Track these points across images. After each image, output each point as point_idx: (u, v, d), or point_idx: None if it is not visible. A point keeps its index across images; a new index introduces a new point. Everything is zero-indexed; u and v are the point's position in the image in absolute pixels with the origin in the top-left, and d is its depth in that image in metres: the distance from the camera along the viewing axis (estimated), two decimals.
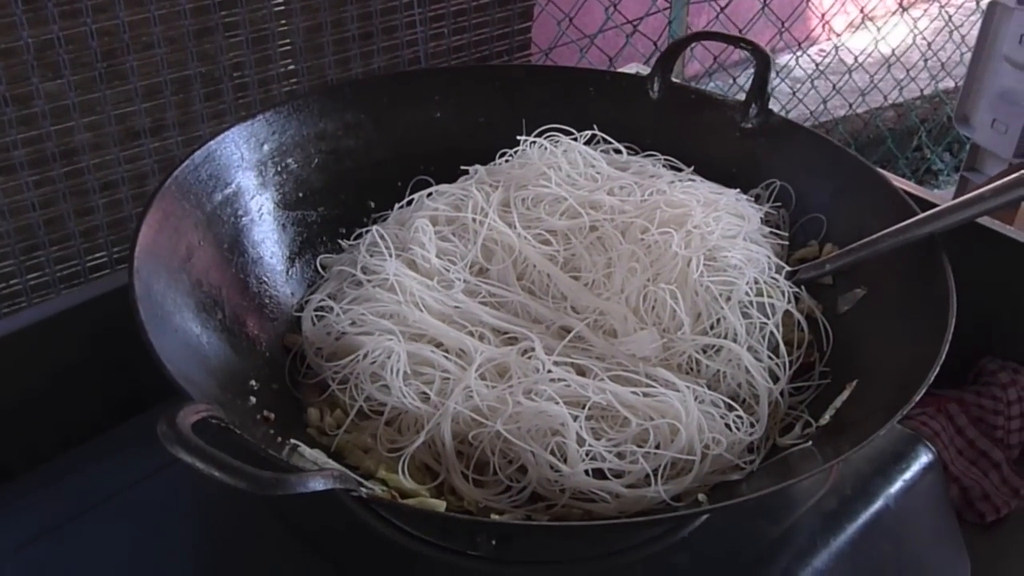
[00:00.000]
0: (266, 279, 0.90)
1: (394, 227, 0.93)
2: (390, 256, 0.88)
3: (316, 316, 0.87)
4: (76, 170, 1.30)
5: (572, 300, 0.86)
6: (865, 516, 0.84)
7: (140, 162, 1.34)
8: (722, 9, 2.21)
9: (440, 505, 0.71)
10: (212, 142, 0.89)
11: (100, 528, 0.81)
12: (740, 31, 2.30)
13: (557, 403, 0.74)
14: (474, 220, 0.91)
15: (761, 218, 0.93)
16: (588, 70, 1.08)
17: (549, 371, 0.78)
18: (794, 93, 2.64)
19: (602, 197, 0.91)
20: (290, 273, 0.93)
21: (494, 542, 0.77)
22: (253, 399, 0.77)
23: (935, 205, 0.84)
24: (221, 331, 0.80)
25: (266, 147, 0.94)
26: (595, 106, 1.04)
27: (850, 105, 2.73)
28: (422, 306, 0.84)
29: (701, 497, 0.73)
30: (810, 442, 0.75)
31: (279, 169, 0.94)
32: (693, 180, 0.96)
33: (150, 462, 0.85)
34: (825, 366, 0.84)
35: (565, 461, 0.73)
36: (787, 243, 0.93)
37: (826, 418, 0.77)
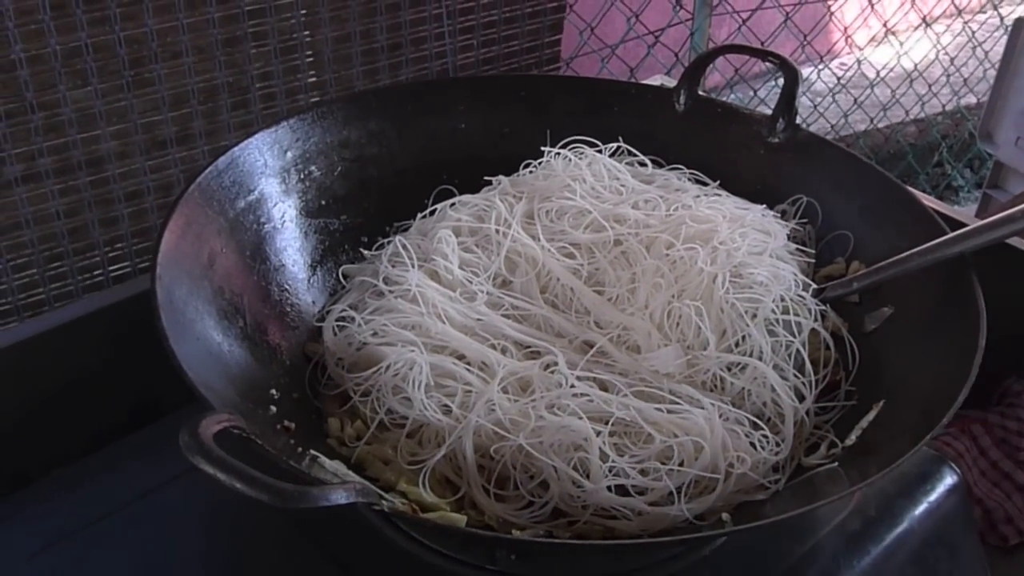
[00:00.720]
0: (288, 287, 0.90)
1: (416, 237, 0.92)
2: (412, 267, 0.87)
3: (337, 326, 0.87)
4: (102, 179, 1.30)
5: (595, 315, 0.86)
6: (889, 538, 0.83)
7: (166, 172, 1.35)
8: (744, 22, 2.21)
9: (460, 520, 0.70)
10: (236, 148, 0.89)
11: (115, 535, 0.81)
12: (762, 43, 2.29)
13: (580, 418, 0.74)
14: (497, 231, 0.90)
15: (787, 235, 0.92)
16: (613, 81, 1.08)
17: (572, 386, 0.77)
18: (815, 107, 2.63)
19: (627, 211, 0.91)
20: (311, 281, 0.92)
21: (514, 557, 0.77)
22: (273, 408, 0.77)
23: (959, 222, 0.83)
24: (242, 339, 0.80)
25: (289, 154, 0.94)
26: (620, 118, 1.03)
27: (871, 120, 2.72)
28: (444, 318, 0.83)
29: (725, 516, 0.71)
30: (836, 463, 0.74)
31: (302, 176, 0.94)
32: (719, 195, 0.95)
33: (167, 469, 0.84)
34: (851, 385, 0.83)
35: (588, 477, 0.72)
36: (813, 260, 0.92)
37: (852, 439, 0.76)
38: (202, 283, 0.80)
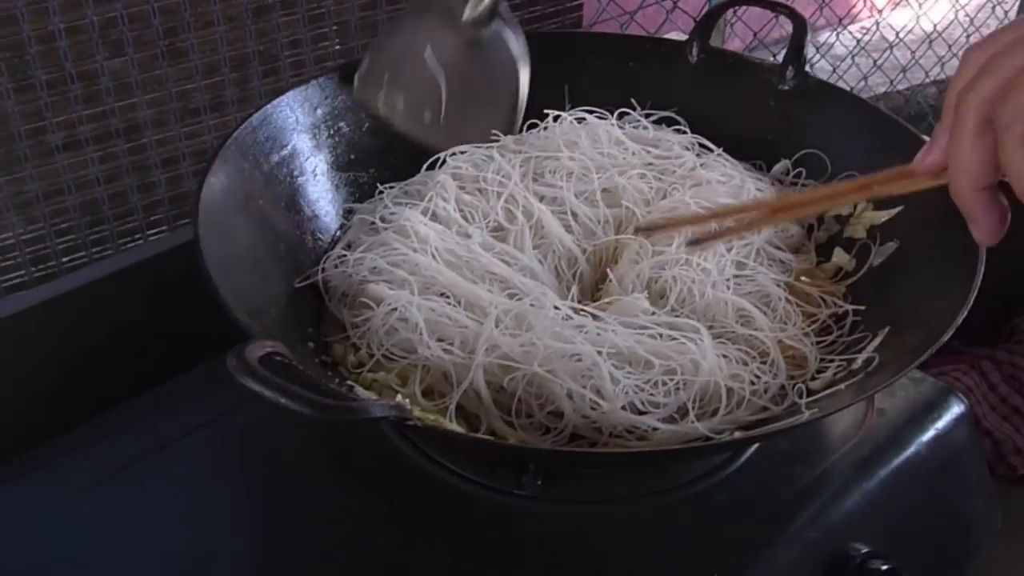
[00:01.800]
0: (320, 235, 0.95)
1: (419, 183, 0.97)
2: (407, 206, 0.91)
3: (337, 262, 0.90)
4: (139, 146, 1.35)
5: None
6: (897, 462, 0.87)
7: (200, 138, 1.40)
8: None
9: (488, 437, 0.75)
10: (269, 106, 0.94)
11: (165, 470, 0.86)
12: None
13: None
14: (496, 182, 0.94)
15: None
16: (628, 36, 1.13)
17: (569, 318, 0.82)
18: (835, 70, 2.64)
19: (619, 181, 0.95)
20: (343, 230, 0.97)
21: (539, 481, 0.81)
22: (311, 344, 0.82)
23: None
24: (280, 282, 0.85)
25: (319, 111, 0.98)
26: (635, 71, 1.07)
27: (891, 81, 2.72)
28: (436, 255, 0.86)
29: (738, 434, 0.76)
30: (843, 385, 0.78)
31: (331, 132, 0.99)
32: (721, 163, 0.99)
33: (212, 409, 0.90)
34: (858, 317, 0.87)
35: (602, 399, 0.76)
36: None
37: (859, 362, 0.80)
38: (241, 228, 0.86)
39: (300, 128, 0.96)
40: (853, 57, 2.59)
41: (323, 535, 0.80)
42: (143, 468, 0.85)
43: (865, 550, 0.81)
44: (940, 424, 0.91)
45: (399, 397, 0.76)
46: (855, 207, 0.94)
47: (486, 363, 0.78)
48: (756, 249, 0.90)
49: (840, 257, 0.92)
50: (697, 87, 1.05)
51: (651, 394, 0.77)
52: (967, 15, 2.79)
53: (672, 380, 0.77)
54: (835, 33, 2.58)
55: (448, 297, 0.84)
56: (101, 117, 1.31)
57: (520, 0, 1.58)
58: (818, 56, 2.56)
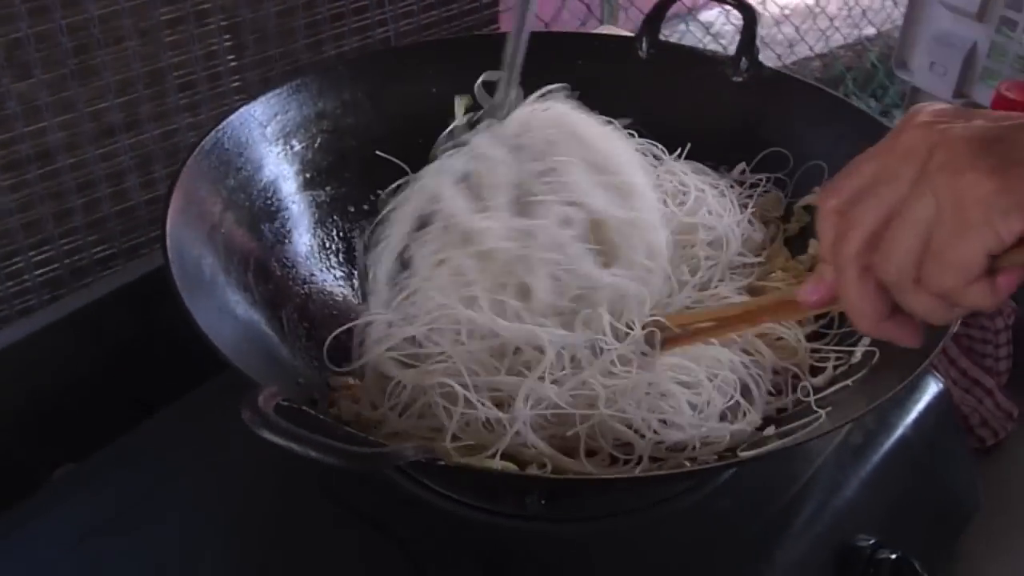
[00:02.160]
0: (286, 261, 0.91)
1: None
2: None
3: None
4: (52, 171, 1.28)
5: None
6: (887, 446, 0.88)
7: (117, 159, 1.33)
8: None
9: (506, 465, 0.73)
10: (218, 130, 0.89)
11: (153, 519, 0.81)
12: None
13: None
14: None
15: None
16: (578, 34, 1.11)
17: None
18: (724, 49, 2.67)
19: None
20: (308, 254, 0.93)
21: (543, 502, 0.79)
22: (301, 380, 0.78)
23: None
24: (258, 315, 0.81)
25: (269, 130, 0.94)
26: (585, 69, 1.05)
27: (779, 57, 2.78)
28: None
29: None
30: (849, 381, 0.78)
31: (285, 152, 0.95)
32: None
33: (188, 452, 0.85)
34: None
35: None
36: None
37: (858, 355, 0.80)
38: (209, 263, 0.81)
39: (252, 149, 0.92)
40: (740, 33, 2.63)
41: (320, 569, 0.77)
42: (127, 520, 0.80)
43: (872, 540, 0.81)
44: (921, 404, 0.92)
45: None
46: None
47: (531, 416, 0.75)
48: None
49: (815, 247, 0.92)
50: (650, 82, 1.04)
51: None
52: None
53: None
54: (724, 12, 2.62)
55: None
56: (9, 143, 1.24)
57: (435, 20, 1.55)
58: (709, 37, 2.60)
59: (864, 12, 2.96)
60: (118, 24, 1.26)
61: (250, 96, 1.37)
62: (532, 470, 0.73)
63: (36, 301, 1.34)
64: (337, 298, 0.93)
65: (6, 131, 1.23)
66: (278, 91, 0.95)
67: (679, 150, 1.01)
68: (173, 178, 0.83)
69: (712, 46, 2.51)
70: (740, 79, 1.01)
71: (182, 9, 1.30)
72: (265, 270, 0.88)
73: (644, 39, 1.05)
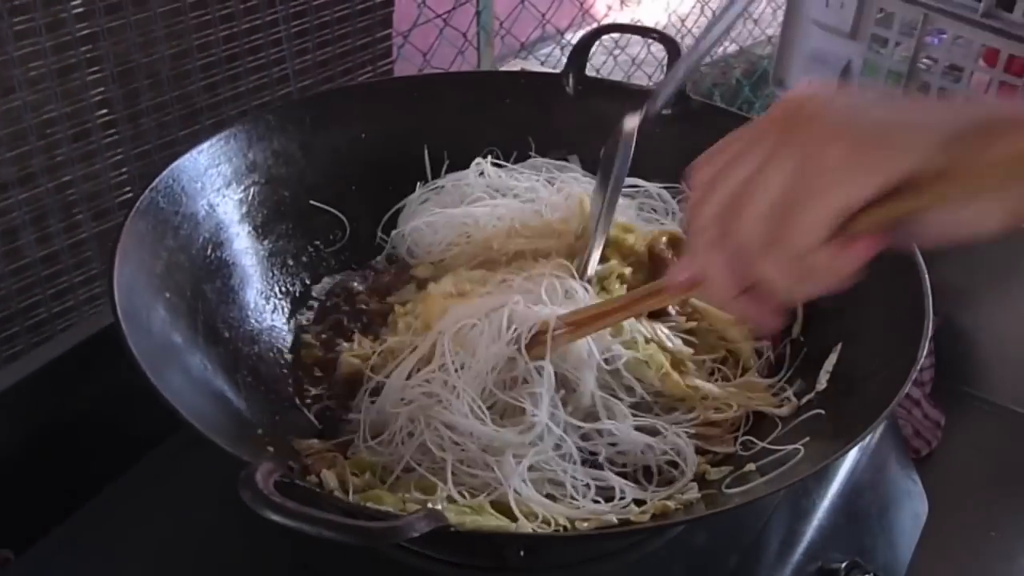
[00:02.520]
0: (232, 319, 0.87)
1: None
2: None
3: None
4: None
5: None
6: (847, 466, 0.90)
7: (10, 216, 1.26)
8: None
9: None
10: (151, 190, 0.85)
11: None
12: (543, 15, 2.39)
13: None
14: None
15: None
16: (503, 73, 1.10)
17: None
18: (598, 71, 2.71)
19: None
20: (252, 310, 0.90)
21: (522, 553, 0.78)
22: (271, 449, 0.75)
23: None
24: (216, 379, 0.78)
25: (201, 184, 0.90)
26: (513, 108, 1.05)
27: (649, 77, 2.83)
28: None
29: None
30: (821, 410, 0.79)
31: (222, 206, 0.91)
32: None
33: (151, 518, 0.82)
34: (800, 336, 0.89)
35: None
36: None
37: (823, 383, 0.81)
38: (159, 329, 0.78)
39: (187, 208, 0.88)
40: (614, 56, 2.67)
41: None
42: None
43: (845, 562, 0.83)
44: None
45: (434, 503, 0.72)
46: None
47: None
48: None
49: None
50: (578, 117, 1.05)
51: None
52: (711, 7, 2.93)
53: None
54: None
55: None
56: None
57: (332, 36, 1.53)
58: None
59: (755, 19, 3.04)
60: (8, 74, 1.19)
61: (147, 143, 1.34)
62: (523, 524, 0.72)
63: None
64: (287, 356, 0.90)
65: None
66: (209, 142, 0.92)
67: None
68: (116, 236, 0.79)
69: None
70: (668, 111, 1.02)
71: (74, 56, 1.25)
72: (214, 332, 0.84)
73: (571, 75, 1.05)
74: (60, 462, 0.86)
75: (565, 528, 0.72)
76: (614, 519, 0.74)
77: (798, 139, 0.55)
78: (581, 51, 1.06)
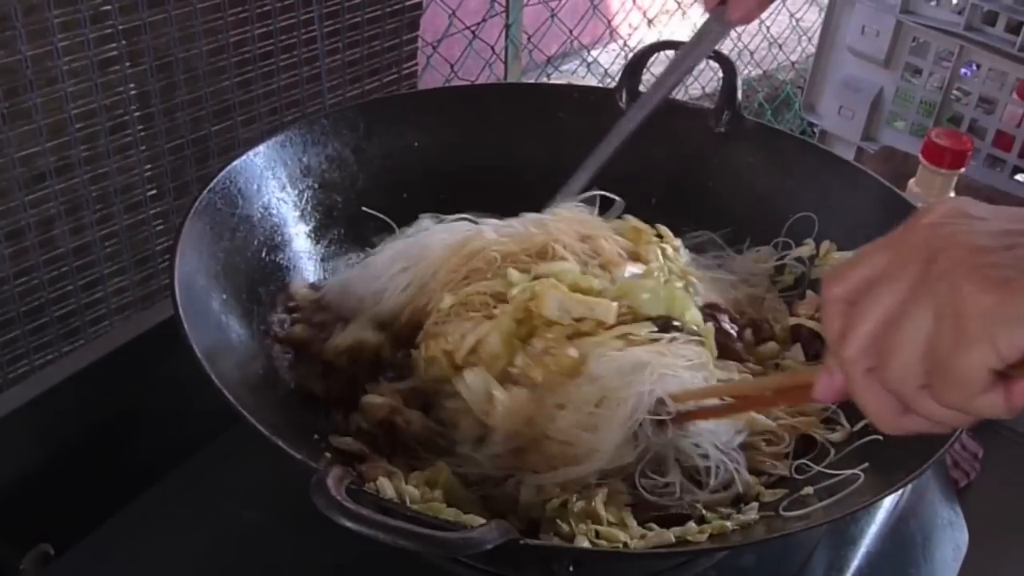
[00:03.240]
0: (285, 322, 0.87)
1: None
2: None
3: None
4: None
5: None
6: (894, 494, 0.90)
7: (46, 205, 1.25)
8: (553, 13, 2.29)
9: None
10: (208, 192, 0.84)
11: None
12: (571, 31, 2.39)
13: None
14: None
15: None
16: (557, 86, 1.10)
17: None
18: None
19: None
20: None
21: (571, 568, 0.78)
22: (328, 454, 0.75)
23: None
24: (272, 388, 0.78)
25: (257, 187, 0.90)
26: (567, 122, 1.05)
27: (703, 88, 2.83)
28: None
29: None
30: (880, 435, 0.78)
31: (271, 213, 0.91)
32: None
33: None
34: None
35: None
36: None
37: None
38: (217, 333, 0.77)
39: (243, 210, 0.88)
40: (649, 70, 2.66)
41: None
42: None
43: None
44: None
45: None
46: (818, 249, 0.96)
47: None
48: None
49: (809, 306, 0.93)
50: (631, 133, 1.04)
51: None
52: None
53: None
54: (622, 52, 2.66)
55: None
56: None
57: (361, 37, 1.53)
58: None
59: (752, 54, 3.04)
60: (51, 65, 1.19)
61: (180, 137, 1.34)
62: (581, 540, 0.72)
63: None
64: None
65: None
66: (266, 145, 0.91)
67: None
68: (177, 231, 0.78)
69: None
70: (722, 130, 1.02)
71: (115, 49, 1.24)
72: (269, 335, 0.84)
73: (624, 91, 1.05)
74: (104, 460, 0.85)
75: (626, 545, 0.72)
76: (671, 537, 0.73)
77: (941, 275, 0.51)
78: (635, 67, 1.05)
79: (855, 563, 0.84)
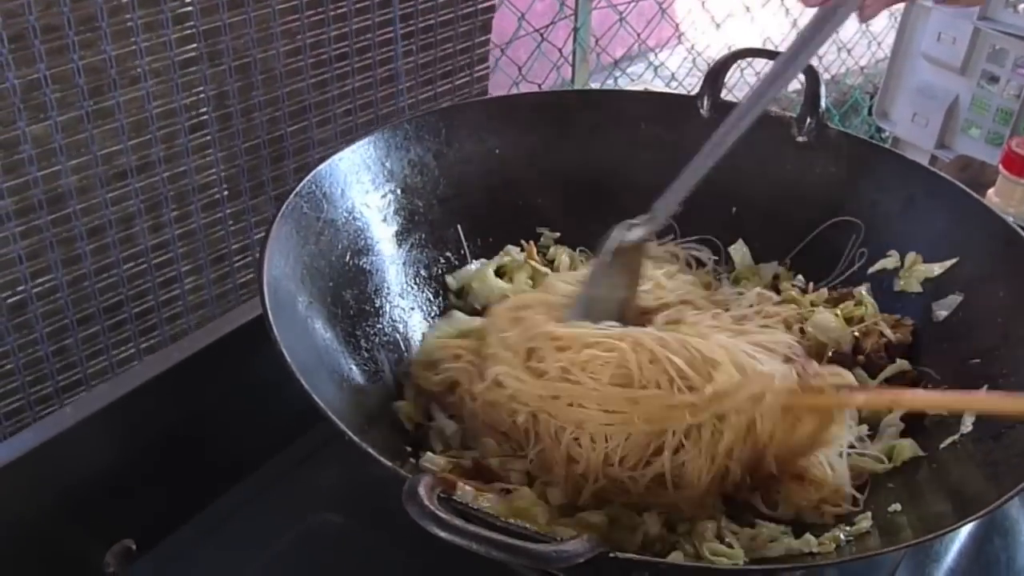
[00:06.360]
0: (368, 328, 0.87)
1: None
2: None
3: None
4: (63, 216, 1.22)
5: None
6: None
7: (126, 203, 1.27)
8: (622, 16, 2.28)
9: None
10: (294, 197, 0.85)
11: None
12: (639, 34, 2.38)
13: None
14: None
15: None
16: (638, 92, 1.09)
17: None
18: (681, 86, 2.69)
19: None
20: (386, 321, 0.90)
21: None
22: (412, 460, 0.75)
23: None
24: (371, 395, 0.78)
25: (341, 191, 0.90)
26: (646, 129, 1.04)
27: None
28: None
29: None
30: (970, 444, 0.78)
31: (357, 216, 0.91)
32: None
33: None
34: (929, 368, 0.87)
35: None
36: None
37: (968, 425, 0.79)
38: (304, 338, 0.78)
39: (327, 215, 0.88)
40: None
41: None
42: None
43: None
44: None
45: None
46: (902, 260, 0.94)
47: None
48: None
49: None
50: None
51: None
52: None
53: None
54: (692, 55, 2.64)
55: None
56: (23, 188, 1.18)
57: (435, 39, 1.53)
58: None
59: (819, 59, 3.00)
60: (134, 64, 1.21)
61: (257, 137, 1.35)
62: (677, 556, 0.71)
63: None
64: None
65: (18, 176, 1.17)
66: (350, 149, 0.92)
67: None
68: (261, 248, 0.79)
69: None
70: (804, 139, 1.01)
71: (196, 49, 1.26)
72: (354, 339, 0.84)
73: (705, 98, 1.04)
74: (187, 460, 0.86)
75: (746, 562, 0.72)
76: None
77: None
78: (716, 74, 1.04)
79: None
